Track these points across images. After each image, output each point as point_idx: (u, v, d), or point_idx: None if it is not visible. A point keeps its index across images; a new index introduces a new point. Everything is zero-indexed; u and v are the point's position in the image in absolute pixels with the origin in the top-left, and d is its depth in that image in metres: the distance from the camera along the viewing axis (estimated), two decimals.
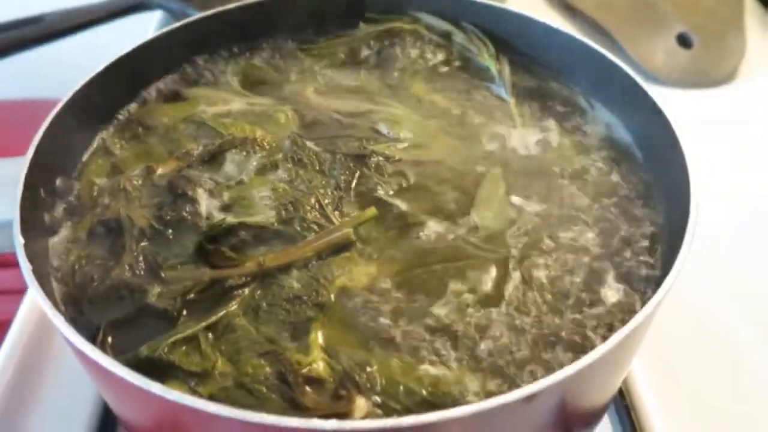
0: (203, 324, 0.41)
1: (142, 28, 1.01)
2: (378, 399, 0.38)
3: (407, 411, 0.38)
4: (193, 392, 0.38)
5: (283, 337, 0.41)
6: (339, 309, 0.43)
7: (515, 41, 0.66)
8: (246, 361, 0.40)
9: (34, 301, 0.68)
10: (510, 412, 0.35)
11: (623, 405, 0.61)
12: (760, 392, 0.63)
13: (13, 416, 0.60)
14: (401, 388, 0.38)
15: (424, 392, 0.38)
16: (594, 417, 0.50)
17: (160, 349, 0.39)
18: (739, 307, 0.70)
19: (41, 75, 1.22)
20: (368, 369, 0.39)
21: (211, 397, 0.38)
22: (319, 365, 0.39)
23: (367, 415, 0.38)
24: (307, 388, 0.38)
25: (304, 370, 0.39)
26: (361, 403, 0.38)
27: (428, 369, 0.40)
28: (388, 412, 0.38)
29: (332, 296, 0.43)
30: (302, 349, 0.41)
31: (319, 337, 0.41)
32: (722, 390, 0.63)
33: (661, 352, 0.63)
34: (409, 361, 0.40)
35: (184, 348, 0.40)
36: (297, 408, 0.38)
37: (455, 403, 0.38)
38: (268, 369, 0.39)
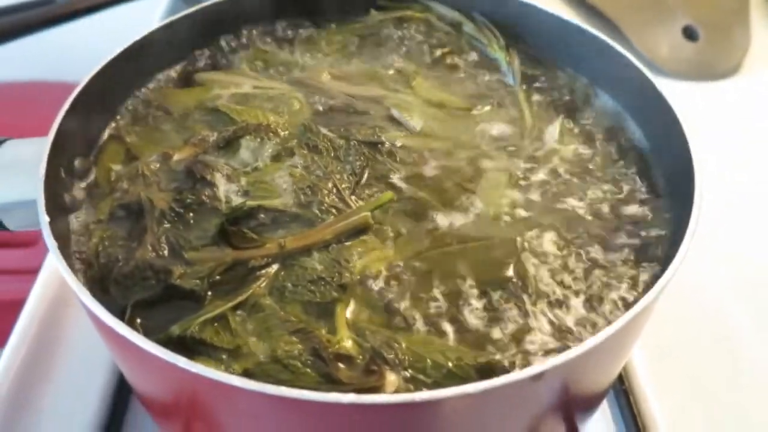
0: (232, 303, 0.42)
1: (146, 12, 1.02)
2: (407, 373, 0.40)
3: (436, 384, 0.40)
4: (225, 368, 0.40)
5: (309, 316, 0.43)
6: (361, 290, 0.45)
7: (523, 31, 0.66)
8: (278, 338, 0.41)
9: (49, 280, 0.69)
10: (517, 389, 0.36)
11: (622, 390, 0.62)
12: (757, 377, 0.65)
13: (29, 389, 0.61)
14: (428, 362, 0.40)
15: (450, 365, 0.40)
16: (595, 400, 0.51)
17: (192, 328, 0.40)
18: (738, 294, 0.71)
19: (49, 57, 1.23)
20: (395, 345, 0.41)
21: (246, 372, 0.40)
22: (348, 343, 0.41)
23: (398, 389, 0.40)
24: (340, 365, 0.40)
25: (334, 348, 0.40)
26: (392, 378, 0.40)
27: (450, 343, 0.42)
28: (417, 385, 0.40)
29: (354, 277, 0.45)
30: (330, 329, 0.42)
31: (344, 316, 0.43)
32: (719, 375, 0.65)
33: (659, 337, 0.65)
34: (432, 337, 0.42)
35: (214, 326, 0.41)
36: (332, 382, 0.39)
37: (478, 373, 0.40)
38: (300, 346, 0.41)
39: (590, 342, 0.36)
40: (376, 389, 0.39)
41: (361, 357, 0.41)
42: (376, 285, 0.45)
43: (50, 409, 0.61)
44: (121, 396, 0.61)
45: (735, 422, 0.62)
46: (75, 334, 0.66)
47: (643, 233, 0.50)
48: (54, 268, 0.70)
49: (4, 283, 1.18)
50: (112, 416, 0.60)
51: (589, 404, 0.50)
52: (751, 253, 0.76)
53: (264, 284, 0.44)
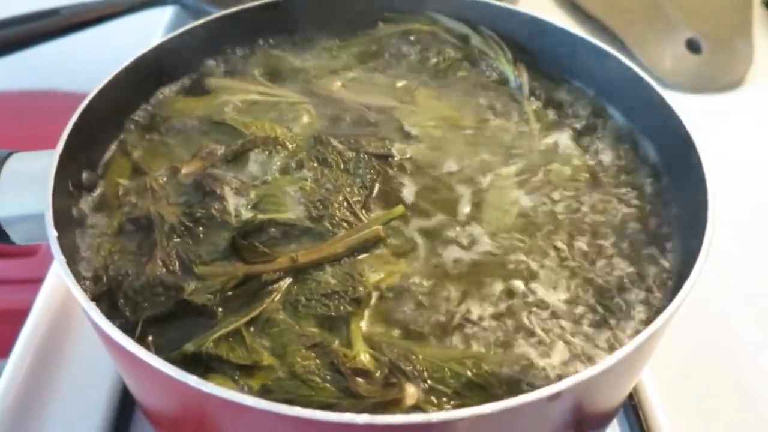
0: (246, 318, 0.42)
1: (151, 24, 1.02)
2: (426, 385, 0.40)
3: (456, 394, 0.40)
4: (242, 386, 0.39)
5: (324, 331, 0.43)
6: (375, 303, 0.44)
7: (530, 45, 0.67)
8: (294, 353, 0.41)
9: (52, 291, 0.68)
10: (534, 409, 0.36)
11: (631, 405, 0.62)
12: (765, 391, 0.64)
13: (32, 400, 0.61)
14: (447, 372, 0.40)
15: (469, 373, 0.40)
16: (607, 418, 0.51)
17: (207, 344, 0.40)
18: (745, 307, 0.71)
19: (51, 66, 1.23)
20: (412, 357, 0.41)
21: (265, 388, 0.39)
22: (365, 357, 0.41)
23: (418, 401, 0.39)
24: (359, 379, 0.40)
25: (350, 363, 0.40)
26: (411, 390, 0.39)
27: (467, 352, 0.42)
28: (438, 395, 0.40)
29: (368, 291, 0.44)
30: (344, 343, 0.42)
31: (359, 330, 0.43)
32: (727, 390, 0.65)
33: (667, 353, 0.64)
34: (449, 347, 0.42)
35: (229, 342, 0.41)
36: (352, 396, 0.39)
37: (498, 381, 0.41)
38: (317, 360, 0.40)
39: (607, 362, 0.36)
40: (397, 402, 0.39)
41: (378, 371, 0.40)
42: (390, 298, 0.45)
43: (54, 420, 0.60)
44: (124, 407, 0.61)
45: None
46: (79, 345, 0.65)
47: (655, 249, 0.49)
48: (57, 279, 0.70)
49: (5, 293, 1.17)
50: (116, 428, 0.59)
51: (601, 422, 0.50)
52: (755, 265, 0.76)
53: (277, 299, 0.44)
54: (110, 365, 0.62)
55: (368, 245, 0.47)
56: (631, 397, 0.62)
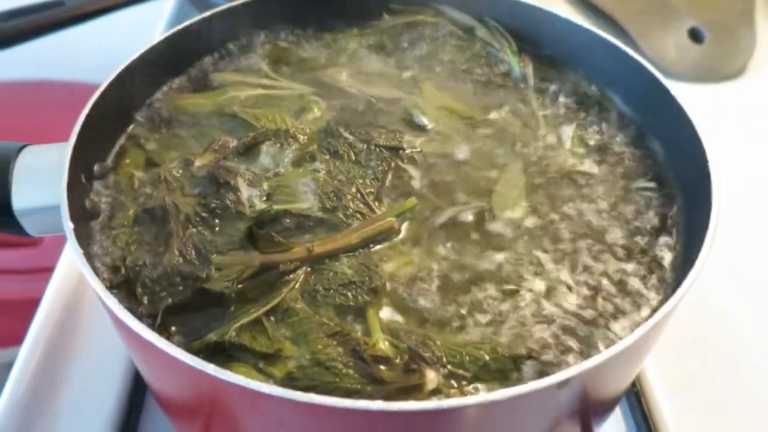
0: (266, 307, 0.42)
1: (154, 15, 1.02)
2: (446, 370, 0.41)
3: (475, 378, 0.41)
4: (266, 374, 0.40)
5: (342, 319, 0.44)
6: (391, 292, 0.45)
7: (535, 36, 0.67)
8: (315, 342, 0.42)
9: (63, 280, 0.69)
10: (543, 396, 0.37)
11: (633, 392, 0.63)
12: (765, 379, 0.66)
13: (44, 390, 0.62)
14: (465, 356, 0.41)
15: (486, 357, 0.41)
16: (612, 404, 0.52)
17: (229, 334, 0.41)
18: (746, 297, 0.72)
19: (54, 57, 1.23)
20: (430, 344, 0.42)
21: (290, 376, 0.40)
22: (384, 345, 0.42)
23: (439, 386, 0.41)
24: (380, 366, 0.41)
25: (370, 351, 0.41)
26: (431, 375, 0.41)
27: (483, 337, 0.43)
28: (458, 380, 0.41)
29: (385, 281, 0.45)
30: (363, 331, 0.43)
31: (377, 319, 0.43)
32: (727, 377, 0.66)
33: (669, 340, 0.65)
34: (466, 332, 0.43)
35: (251, 332, 0.42)
36: (375, 382, 0.40)
37: (514, 363, 0.42)
38: (339, 348, 0.41)
39: (613, 349, 0.37)
40: (418, 387, 0.40)
41: (398, 359, 0.41)
42: (406, 287, 0.46)
43: (66, 410, 0.61)
44: (136, 396, 0.62)
45: (742, 421, 0.63)
46: (90, 333, 0.66)
47: (659, 241, 0.50)
48: (68, 268, 0.71)
49: (11, 282, 1.18)
50: (128, 416, 0.60)
51: (605, 408, 0.51)
52: (757, 256, 0.76)
53: (296, 288, 0.44)
54: (122, 353, 0.63)
55: (382, 237, 0.47)
56: (633, 383, 0.63)
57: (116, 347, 0.62)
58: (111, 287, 0.44)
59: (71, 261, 0.70)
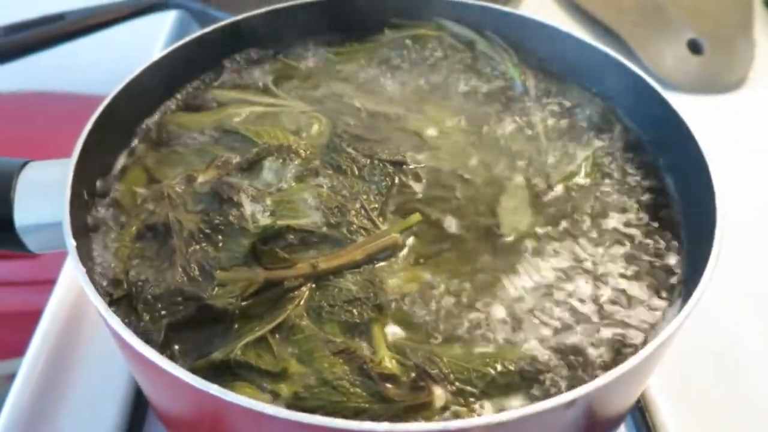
0: (271, 325, 0.42)
1: (155, 28, 1.02)
2: (454, 387, 0.41)
3: (483, 393, 0.41)
4: (272, 394, 0.40)
5: (348, 337, 0.43)
6: (396, 309, 0.45)
7: (536, 49, 0.67)
8: (321, 360, 0.41)
9: (65, 293, 0.69)
10: (550, 415, 0.37)
11: (638, 407, 0.63)
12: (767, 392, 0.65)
13: (46, 401, 0.61)
14: (472, 372, 0.41)
15: (493, 373, 0.41)
16: (617, 422, 0.52)
17: (234, 352, 0.40)
18: (748, 311, 0.72)
19: (55, 69, 1.23)
20: (437, 360, 0.41)
21: (296, 396, 0.40)
22: (391, 362, 0.41)
23: (447, 403, 0.40)
24: (387, 384, 0.40)
25: (376, 368, 0.41)
26: (439, 392, 0.40)
27: (489, 352, 0.43)
28: (465, 396, 0.41)
29: (389, 297, 0.45)
30: (369, 348, 0.43)
31: (382, 336, 0.43)
32: (730, 391, 0.65)
33: (673, 356, 0.65)
34: (472, 348, 0.43)
35: (256, 350, 0.41)
36: (383, 400, 0.40)
37: (521, 377, 0.42)
38: (346, 366, 0.41)
39: (621, 368, 0.37)
40: (426, 405, 0.40)
41: (405, 376, 0.41)
42: (410, 304, 0.46)
43: (68, 421, 0.60)
44: (138, 408, 0.61)
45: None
46: (91, 346, 0.66)
47: (663, 260, 0.50)
48: (69, 281, 0.70)
49: (11, 294, 1.17)
50: (130, 428, 0.60)
51: (611, 426, 0.50)
52: (760, 268, 0.76)
53: (301, 305, 0.44)
54: (123, 366, 0.62)
55: (386, 252, 0.47)
56: (638, 399, 0.63)
57: (118, 359, 0.62)
58: (112, 302, 0.44)
59: (73, 273, 0.70)
